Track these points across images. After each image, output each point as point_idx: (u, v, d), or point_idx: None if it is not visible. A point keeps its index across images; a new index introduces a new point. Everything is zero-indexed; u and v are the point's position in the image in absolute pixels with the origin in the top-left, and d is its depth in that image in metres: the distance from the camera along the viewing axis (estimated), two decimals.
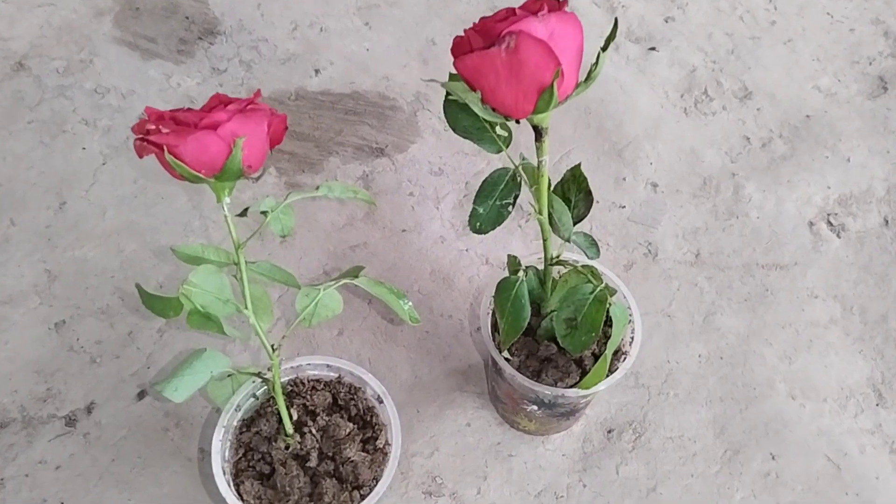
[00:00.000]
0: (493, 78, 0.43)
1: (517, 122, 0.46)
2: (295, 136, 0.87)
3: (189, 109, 0.44)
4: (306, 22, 0.97)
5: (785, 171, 0.88)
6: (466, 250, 0.80)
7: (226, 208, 0.46)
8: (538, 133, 0.48)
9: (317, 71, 0.93)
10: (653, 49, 0.99)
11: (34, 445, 0.67)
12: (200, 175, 0.44)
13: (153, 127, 0.43)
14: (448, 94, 0.54)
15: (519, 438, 0.69)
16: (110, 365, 0.71)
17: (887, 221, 0.84)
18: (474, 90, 0.44)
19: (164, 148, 0.42)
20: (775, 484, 0.67)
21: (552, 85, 0.42)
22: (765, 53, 0.99)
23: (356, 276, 0.49)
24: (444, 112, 0.54)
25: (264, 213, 0.48)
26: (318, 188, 0.47)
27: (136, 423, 0.68)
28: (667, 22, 1.00)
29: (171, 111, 0.44)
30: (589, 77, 0.45)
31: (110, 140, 0.85)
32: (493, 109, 0.45)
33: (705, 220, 0.84)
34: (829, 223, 0.84)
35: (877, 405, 0.72)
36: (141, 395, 0.69)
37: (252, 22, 0.96)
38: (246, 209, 0.47)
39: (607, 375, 0.56)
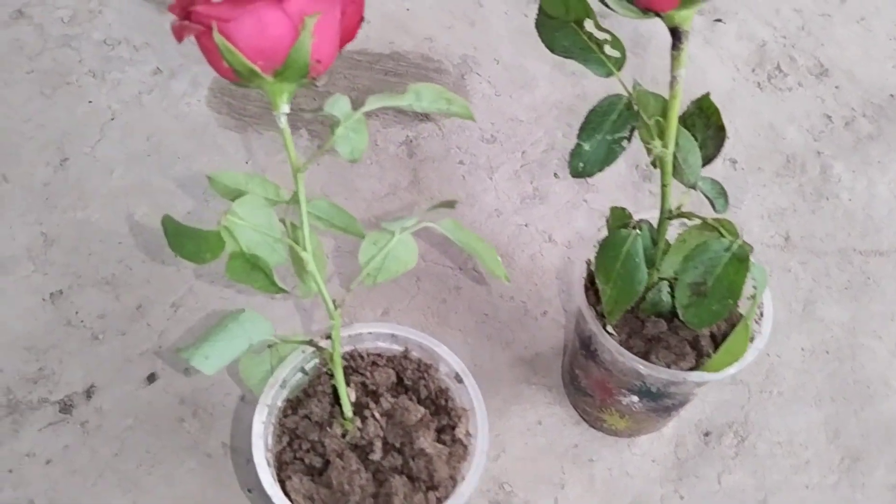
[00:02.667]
0: None
1: (658, 15, 0.36)
2: (329, 97, 0.77)
3: None
4: None
5: (874, 151, 0.79)
6: (526, 225, 0.70)
7: (283, 119, 0.36)
8: (677, 37, 0.38)
9: None
10: (719, 20, 0.90)
11: (21, 435, 0.55)
12: (256, 69, 0.34)
13: None
14: (541, 8, 0.44)
15: (600, 441, 0.58)
16: (115, 342, 0.60)
17: None
18: None
19: (214, 26, 0.32)
20: None
21: None
22: (837, 31, 0.90)
23: (452, 207, 0.39)
24: (538, 31, 0.44)
25: (332, 128, 0.37)
26: (404, 94, 0.37)
27: (144, 412, 0.57)
28: None
29: None
30: None
31: (120, 94, 0.75)
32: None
33: (792, 201, 0.74)
34: None
35: None
36: (151, 378, 0.58)
37: None
38: (320, 108, 0.37)
39: None
